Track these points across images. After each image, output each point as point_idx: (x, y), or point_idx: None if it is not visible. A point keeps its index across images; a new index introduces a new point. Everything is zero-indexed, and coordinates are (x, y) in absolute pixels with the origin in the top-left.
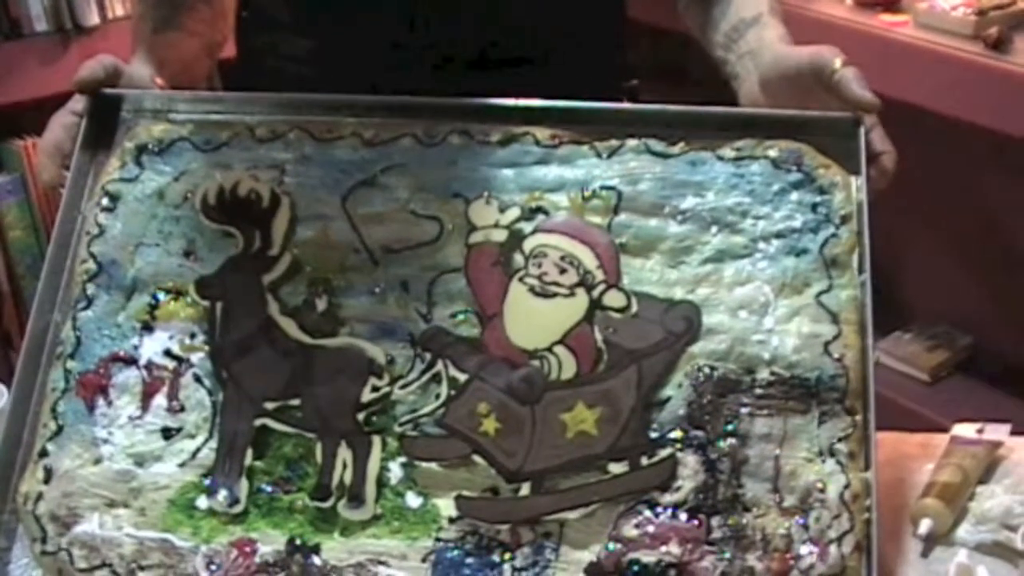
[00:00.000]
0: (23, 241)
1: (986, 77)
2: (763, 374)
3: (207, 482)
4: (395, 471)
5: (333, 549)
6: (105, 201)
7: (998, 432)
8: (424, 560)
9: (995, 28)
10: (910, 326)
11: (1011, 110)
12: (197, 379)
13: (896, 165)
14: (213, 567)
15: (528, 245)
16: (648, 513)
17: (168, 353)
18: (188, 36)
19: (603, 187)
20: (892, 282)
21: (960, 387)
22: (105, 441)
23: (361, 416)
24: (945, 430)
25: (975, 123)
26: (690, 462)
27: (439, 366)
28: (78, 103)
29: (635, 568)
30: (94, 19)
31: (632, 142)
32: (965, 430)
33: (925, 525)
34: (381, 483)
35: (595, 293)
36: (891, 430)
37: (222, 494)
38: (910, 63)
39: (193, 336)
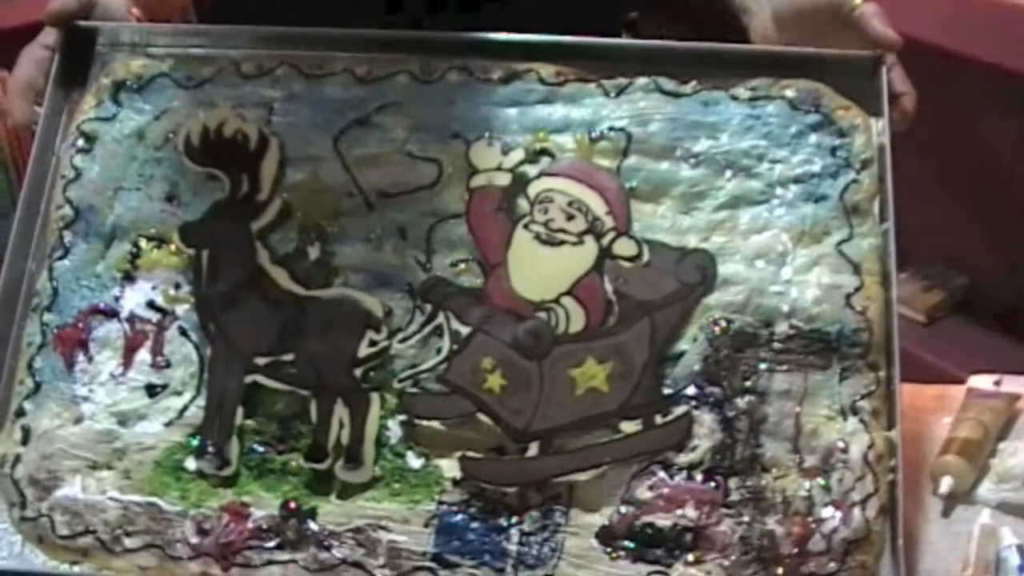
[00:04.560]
0: None
1: (989, 10)
2: (782, 327)
3: (195, 442)
4: (394, 430)
5: (330, 513)
6: (81, 142)
7: (1016, 384)
8: (427, 524)
9: None
10: (905, 266)
11: (1014, 45)
12: (183, 332)
13: (916, 106)
14: (204, 533)
15: (533, 190)
16: (662, 474)
17: (151, 305)
18: None
19: (612, 128)
20: None
21: (957, 329)
22: (86, 399)
23: (358, 372)
24: (945, 373)
25: (976, 57)
26: (706, 420)
27: (440, 318)
28: (49, 36)
29: (649, 532)
30: None
31: (641, 80)
32: (982, 382)
33: (946, 484)
34: (380, 443)
35: (604, 241)
36: None
37: (211, 455)
38: None
39: (178, 287)
